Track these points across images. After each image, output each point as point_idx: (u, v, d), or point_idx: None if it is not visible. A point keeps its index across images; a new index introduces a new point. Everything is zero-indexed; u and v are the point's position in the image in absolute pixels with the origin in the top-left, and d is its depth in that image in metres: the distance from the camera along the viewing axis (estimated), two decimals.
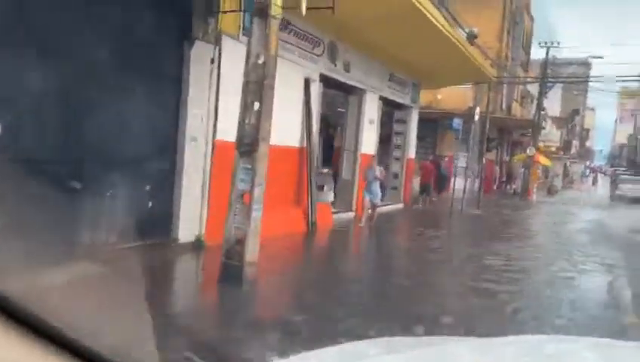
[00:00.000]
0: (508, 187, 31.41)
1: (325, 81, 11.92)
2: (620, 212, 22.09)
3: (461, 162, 29.22)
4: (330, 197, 13.98)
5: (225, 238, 6.46)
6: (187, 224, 8.20)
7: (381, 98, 14.70)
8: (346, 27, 11.35)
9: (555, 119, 54.65)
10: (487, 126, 19.13)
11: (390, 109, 16.67)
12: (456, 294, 6.99)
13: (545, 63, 26.91)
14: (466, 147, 18.20)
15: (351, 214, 13.35)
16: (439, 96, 28.20)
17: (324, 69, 11.64)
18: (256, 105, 6.26)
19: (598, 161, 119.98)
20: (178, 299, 6.04)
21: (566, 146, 57.93)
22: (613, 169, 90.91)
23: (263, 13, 6.24)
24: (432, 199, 18.50)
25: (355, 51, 12.72)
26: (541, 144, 46.16)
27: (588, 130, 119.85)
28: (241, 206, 6.36)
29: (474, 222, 15.83)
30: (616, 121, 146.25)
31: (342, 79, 12.47)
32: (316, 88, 11.38)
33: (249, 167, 6.30)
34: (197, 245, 8.19)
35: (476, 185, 30.23)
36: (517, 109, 32.43)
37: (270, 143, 9.93)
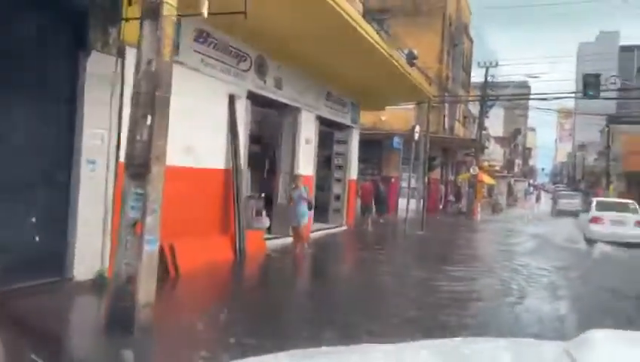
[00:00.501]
0: (454, 206, 31.29)
1: (254, 98, 11.09)
2: (558, 225, 23.21)
3: (406, 182, 29.01)
4: (266, 222, 13.06)
5: (113, 276, 5.44)
6: (85, 259, 7.08)
7: (318, 117, 14.00)
8: (275, 42, 10.62)
9: (498, 139, 55.87)
10: (428, 145, 18.70)
11: (330, 129, 16.01)
12: (393, 325, 6.18)
13: (484, 82, 27.07)
14: (410, 167, 17.66)
15: (289, 239, 12.44)
16: (383, 117, 27.91)
17: (252, 85, 10.82)
18: (149, 119, 5.34)
19: (541, 179, 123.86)
20: (44, 352, 4.94)
21: (509, 165, 59.19)
22: (554, 186, 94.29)
23: (154, 14, 5.36)
24: (380, 221, 17.86)
25: (287, 68, 11.98)
26: (485, 163, 46.89)
27: (530, 149, 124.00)
28: (132, 238, 5.37)
29: (416, 244, 15.21)
30: (556, 140, 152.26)
31: (273, 97, 11.68)
32: (243, 106, 10.52)
33: (140, 191, 5.33)
34: (98, 282, 7.08)
35: (420, 204, 30.07)
36: (460, 129, 32.56)
37: (189, 165, 9.12)
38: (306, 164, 13.22)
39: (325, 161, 16.77)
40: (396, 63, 13.46)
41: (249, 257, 10.03)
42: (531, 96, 22.74)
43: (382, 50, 12.04)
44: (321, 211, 16.39)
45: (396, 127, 27.00)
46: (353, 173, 16.74)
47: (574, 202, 31.64)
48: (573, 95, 24.56)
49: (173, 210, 8.30)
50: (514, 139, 67.95)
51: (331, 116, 14.90)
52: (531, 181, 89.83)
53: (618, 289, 9.06)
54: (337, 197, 16.26)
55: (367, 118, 28.47)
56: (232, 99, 10.11)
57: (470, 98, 31.00)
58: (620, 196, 48.04)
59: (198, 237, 8.88)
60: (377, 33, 13.75)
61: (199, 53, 9.03)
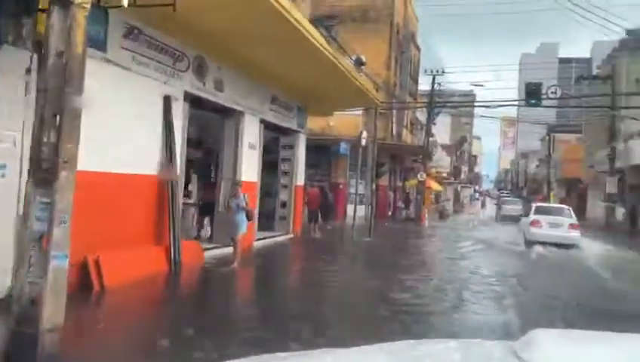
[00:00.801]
0: (403, 213, 31.35)
1: (193, 100, 10.48)
2: (502, 230, 24.51)
3: (356, 189, 28.78)
4: (207, 231, 12.44)
5: (15, 297, 4.76)
6: None
7: (263, 121, 13.49)
8: (214, 41, 10.08)
9: (445, 146, 56.84)
10: (376, 151, 18.52)
11: (275, 134, 15.53)
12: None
13: (431, 89, 27.31)
14: (358, 173, 17.41)
15: (230, 250, 11.85)
16: (331, 123, 27.67)
17: (191, 86, 10.21)
18: (57, 119, 4.71)
19: (486, 186, 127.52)
20: None
21: (456, 172, 60.35)
22: (498, 192, 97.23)
23: (64, 0, 4.75)
24: (327, 228, 17.43)
25: (229, 69, 11.43)
26: (433, 170, 47.56)
27: (476, 157, 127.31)
28: (38, 253, 4.71)
29: (363, 251, 14.86)
30: (500, 148, 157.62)
31: (214, 99, 11.09)
32: (180, 108, 9.89)
33: (46, 200, 4.69)
34: (8, 303, 6.30)
35: (369, 211, 29.98)
36: (407, 136, 32.76)
37: (119, 171, 8.44)
38: (249, 170, 12.68)
39: (271, 167, 16.26)
40: (342, 67, 13.15)
41: (185, 269, 9.38)
42: (476, 104, 23.05)
43: (327, 54, 11.69)
44: (267, 219, 15.90)
45: (345, 132, 26.81)
46: (300, 179, 16.31)
47: (516, 208, 33.59)
48: (516, 103, 24.86)
49: (100, 219, 7.62)
50: (460, 147, 69.44)
51: (277, 120, 14.42)
52: (477, 187, 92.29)
53: (556, 293, 9.57)
54: (284, 204, 15.77)
55: (315, 123, 28.18)
56: (167, 101, 9.47)
57: (418, 105, 31.21)
58: (560, 201, 50.17)
59: (128, 249, 8.20)
60: (325, 39, 13.44)
61: (130, 50, 8.36)
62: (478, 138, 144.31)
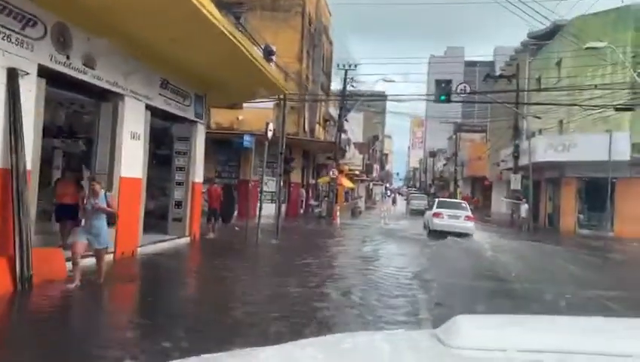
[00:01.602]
0: (316, 211, 30.22)
1: (54, 77, 8.48)
2: (410, 222, 27.43)
3: (261, 186, 27.17)
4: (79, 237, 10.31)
5: None
6: None
7: (150, 108, 11.59)
8: (82, 7, 8.16)
9: (357, 145, 56.71)
10: (284, 145, 17.10)
11: (168, 124, 13.65)
12: None
13: (344, 83, 26.37)
14: (263, 169, 15.90)
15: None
16: (240, 117, 25.96)
17: (48, 59, 8.20)
18: None
19: (397, 183, 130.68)
20: None
21: (368, 170, 60.47)
22: (407, 189, 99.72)
23: None
24: (235, 228, 15.67)
25: (104, 44, 9.50)
26: (346, 167, 47.07)
27: (387, 155, 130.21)
28: None
29: (265, 255, 13.34)
30: (409, 147, 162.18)
31: (82, 77, 9.11)
32: (32, 85, 7.87)
33: None
34: None
35: (282, 209, 28.56)
36: (320, 132, 31.68)
37: None
38: (132, 165, 10.76)
39: (165, 162, 14.37)
40: (246, 52, 11.59)
41: (38, 287, 7.40)
42: (388, 99, 22.22)
43: (230, 36, 10.09)
44: (160, 220, 14.00)
45: (255, 127, 25.11)
46: (198, 175, 14.50)
47: (423, 202, 37.59)
48: (425, 98, 24.54)
49: None
50: (372, 145, 69.90)
51: (169, 108, 12.56)
52: (388, 185, 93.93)
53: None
54: (178, 204, 13.90)
55: (223, 116, 26.33)
56: (12, 75, 7.45)
57: (330, 98, 30.06)
58: (465, 198, 51.90)
59: None
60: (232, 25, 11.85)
61: None
62: (389, 137, 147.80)
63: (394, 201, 57.53)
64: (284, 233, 17.11)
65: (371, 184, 68.14)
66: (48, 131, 9.99)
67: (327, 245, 16.54)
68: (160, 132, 14.15)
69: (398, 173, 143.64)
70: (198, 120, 14.24)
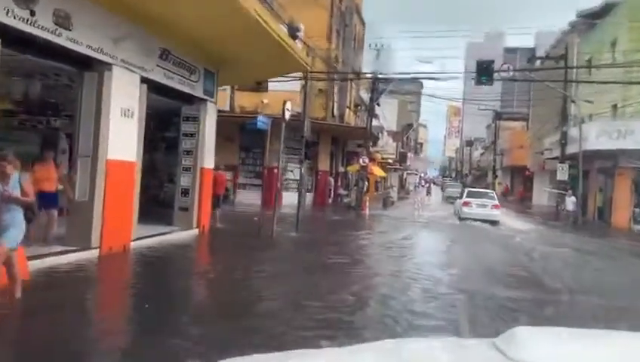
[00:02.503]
0: (345, 200, 28.43)
1: (16, 39, 6.95)
2: (444, 211, 26.98)
3: (293, 173, 25.59)
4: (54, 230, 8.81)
5: None
6: None
7: (147, 81, 10.02)
8: None
9: (391, 132, 54.49)
10: (306, 128, 15.35)
11: (174, 102, 12.09)
12: None
13: (375, 62, 24.39)
14: (281, 153, 14.21)
15: (88, 254, 8.45)
16: (265, 100, 24.33)
17: (4, 14, 6.66)
18: None
19: (432, 173, 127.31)
20: None
21: (402, 158, 58.18)
22: (443, 179, 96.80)
23: None
24: (254, 218, 14.11)
25: (88, 2, 7.95)
26: (379, 155, 45.03)
27: (422, 144, 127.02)
28: None
29: (278, 252, 11.43)
30: (445, 136, 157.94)
31: (53, 40, 7.55)
32: None
33: None
34: None
35: (309, 198, 26.90)
36: (351, 117, 29.77)
37: None
38: (122, 146, 9.21)
39: (172, 145, 12.86)
40: (264, 24, 9.92)
41: None
42: (424, 76, 20.15)
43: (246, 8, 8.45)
44: (167, 210, 12.54)
45: (280, 110, 23.58)
46: (209, 160, 12.91)
47: (457, 190, 37.58)
48: (463, 74, 22.60)
49: None
50: (406, 133, 67.46)
51: (170, 83, 10.96)
52: (422, 175, 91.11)
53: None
54: (185, 192, 12.36)
55: (247, 100, 24.78)
56: None
57: (359, 76, 27.79)
58: (504, 189, 49.22)
59: None
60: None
61: None
62: (424, 126, 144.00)
63: (428, 191, 55.11)
64: (306, 224, 15.44)
65: (405, 173, 65.75)
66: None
67: (348, 240, 14.54)
68: (167, 112, 12.65)
69: (433, 163, 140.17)
70: (207, 98, 12.62)
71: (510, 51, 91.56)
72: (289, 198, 23.78)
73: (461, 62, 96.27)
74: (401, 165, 55.78)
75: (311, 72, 15.71)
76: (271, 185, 25.05)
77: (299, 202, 14.88)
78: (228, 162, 25.70)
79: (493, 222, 20.57)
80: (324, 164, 26.31)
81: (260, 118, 13.58)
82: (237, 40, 10.96)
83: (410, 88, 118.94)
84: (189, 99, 12.21)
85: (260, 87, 23.46)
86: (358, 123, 30.77)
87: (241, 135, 24.39)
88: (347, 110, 28.91)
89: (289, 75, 19.11)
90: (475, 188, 31.56)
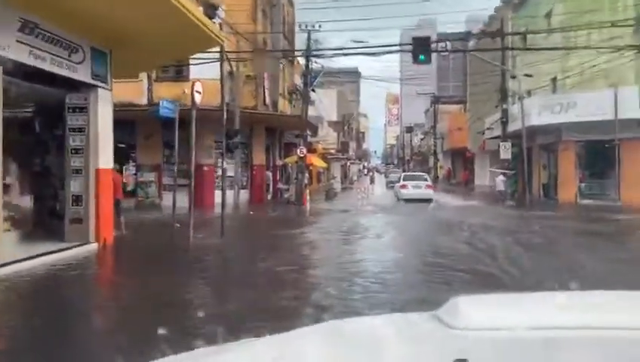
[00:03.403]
0: (286, 195, 26.42)
1: None
2: (387, 199, 27.12)
3: (229, 171, 23.32)
4: None
5: None
6: None
7: (3, 61, 7.62)
8: None
9: (331, 123, 52.95)
10: (225, 117, 13.24)
11: (57, 91, 9.68)
12: None
13: (307, 43, 22.41)
14: (193, 146, 12.07)
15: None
16: (186, 90, 21.87)
17: None
18: None
19: (375, 161, 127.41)
20: None
21: (344, 148, 56.80)
22: (386, 166, 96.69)
23: None
24: (175, 224, 11.79)
25: None
26: (320, 146, 43.31)
27: (363, 133, 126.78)
28: None
29: (188, 271, 8.76)
30: (385, 124, 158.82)
31: None
32: None
33: None
34: None
35: (245, 196, 24.73)
36: (286, 106, 27.73)
37: None
38: None
39: (57, 144, 10.44)
40: None
41: None
42: (359, 51, 18.30)
43: None
44: (52, 223, 10.15)
45: (205, 100, 21.29)
46: (106, 158, 10.55)
47: (397, 176, 39.04)
48: (399, 49, 21.34)
49: None
50: (347, 123, 66.18)
51: (40, 64, 8.57)
52: (365, 163, 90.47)
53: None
54: (77, 200, 9.98)
55: (167, 90, 22.19)
56: None
57: (288, 54, 25.35)
58: (446, 172, 48.91)
59: None
60: None
61: None
62: (365, 115, 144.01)
63: (372, 180, 54.09)
64: (235, 227, 13.42)
65: (348, 163, 64.50)
66: None
67: (281, 244, 12.15)
68: (56, 104, 10.20)
69: (375, 151, 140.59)
70: (98, 83, 10.24)
71: (443, 37, 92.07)
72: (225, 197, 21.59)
73: (396, 49, 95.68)
74: (343, 155, 54.38)
75: (234, 52, 13.43)
76: (201, 185, 22.86)
77: (223, 202, 12.71)
78: (151, 162, 23.20)
79: (428, 200, 23.08)
80: (259, 158, 24.20)
81: (164, 103, 11.29)
82: (131, 12, 8.73)
83: (348, 78, 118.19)
84: (74, 85, 9.82)
85: (180, 75, 21.05)
86: (294, 112, 28.78)
87: (164, 131, 21.91)
88: (281, 98, 26.86)
89: (211, 59, 16.99)
90: (410, 172, 35.76)
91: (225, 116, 13.09)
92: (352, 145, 77.90)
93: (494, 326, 1.18)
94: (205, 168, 22.59)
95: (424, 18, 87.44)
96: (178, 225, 11.68)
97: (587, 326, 1.14)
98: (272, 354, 1.28)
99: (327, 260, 9.96)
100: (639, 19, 18.49)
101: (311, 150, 41.21)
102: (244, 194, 23.59)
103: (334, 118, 59.45)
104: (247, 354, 1.35)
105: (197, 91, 10.73)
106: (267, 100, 23.41)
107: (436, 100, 56.26)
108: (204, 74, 22.67)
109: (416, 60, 21.17)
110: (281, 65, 26.07)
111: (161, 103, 11.17)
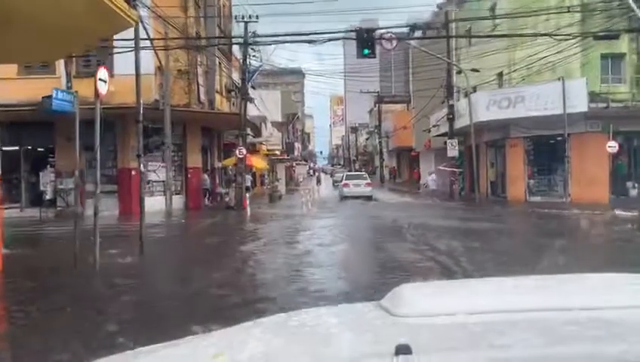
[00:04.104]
0: (227, 199, 24.37)
1: None
2: (333, 201, 26.87)
3: (159, 174, 21.38)
4: None
5: None
6: None
7: None
8: None
9: (276, 123, 51.22)
10: (142, 112, 11.30)
11: None
12: None
13: (245, 34, 20.56)
14: (97, 150, 10.02)
15: None
16: (112, 88, 19.56)
17: None
18: None
19: (321, 162, 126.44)
20: None
21: (289, 149, 55.13)
22: (332, 167, 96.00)
23: None
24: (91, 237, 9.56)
25: None
26: (263, 146, 41.46)
27: (309, 134, 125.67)
28: None
29: (82, 305, 6.68)
30: (330, 125, 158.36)
31: None
32: None
33: None
34: None
35: (180, 202, 22.62)
36: (224, 105, 25.75)
37: None
38: None
39: None
40: None
41: None
42: (302, 38, 16.71)
43: None
44: None
45: (132, 99, 19.10)
46: None
47: (342, 175, 40.27)
48: (342, 36, 19.88)
49: None
50: (291, 122, 64.58)
51: None
52: (312, 164, 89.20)
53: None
54: None
55: (87, 88, 19.94)
56: None
57: (220, 41, 23.02)
58: (391, 171, 48.29)
59: None
60: None
61: None
62: (311, 116, 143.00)
63: (318, 180, 52.75)
64: (161, 239, 11.51)
65: (294, 164, 62.89)
66: None
67: (210, 261, 10.13)
68: None
69: (321, 152, 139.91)
70: None
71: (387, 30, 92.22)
72: (154, 204, 19.43)
73: (340, 49, 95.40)
74: (288, 156, 52.73)
75: (133, 22, 11.27)
76: (128, 191, 20.56)
77: (142, 212, 10.72)
78: (71, 167, 20.73)
79: (367, 197, 24.77)
80: (194, 160, 22.13)
81: (58, 93, 9.19)
82: None
83: (291, 79, 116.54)
84: None
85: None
86: (234, 111, 26.81)
87: (87, 131, 19.51)
88: (218, 96, 24.87)
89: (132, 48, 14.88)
90: (352, 172, 38.62)
91: (141, 111, 11.09)
92: (298, 145, 76.41)
93: (435, 312, 1.19)
94: (133, 172, 20.36)
95: (367, 18, 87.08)
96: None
97: (522, 309, 1.18)
98: (214, 349, 1.26)
99: (265, 280, 8.25)
100: (585, 7, 17.85)
101: (254, 151, 39.36)
102: (178, 200, 21.47)
103: (279, 118, 57.69)
104: (189, 350, 1.33)
105: (101, 79, 8.76)
106: (202, 97, 21.40)
107: (380, 100, 55.55)
108: (131, 69, 20.55)
109: (361, 54, 19.92)
110: (217, 61, 24.07)
111: (54, 93, 9.04)
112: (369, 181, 26.94)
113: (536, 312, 1.16)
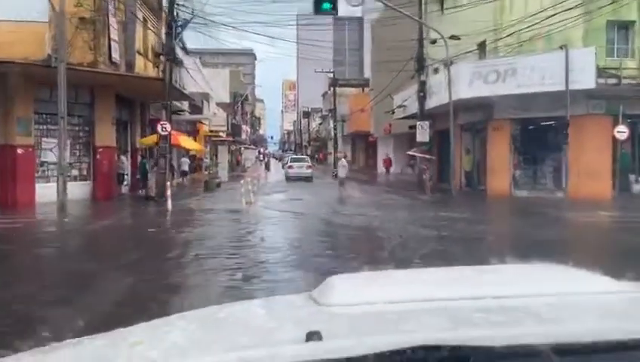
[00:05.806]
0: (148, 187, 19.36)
1: None
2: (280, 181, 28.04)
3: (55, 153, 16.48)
4: None
5: None
6: None
7: None
8: None
9: (222, 105, 46.00)
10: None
11: None
12: None
13: None
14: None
15: None
16: None
17: None
18: None
19: (272, 147, 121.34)
20: None
21: (235, 131, 49.99)
22: (283, 153, 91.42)
23: None
24: None
25: None
26: (205, 126, 36.36)
27: (259, 119, 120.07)
28: None
29: None
30: (282, 111, 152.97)
31: None
32: None
33: None
34: None
35: (87, 190, 17.56)
36: (148, 70, 20.59)
37: None
38: None
39: None
40: None
41: None
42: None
43: None
44: None
45: (22, 53, 14.04)
46: None
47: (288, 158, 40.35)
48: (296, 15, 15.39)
49: None
50: (239, 101, 59.23)
51: None
52: (261, 149, 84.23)
53: None
54: None
55: None
56: None
57: None
58: (351, 158, 44.45)
59: None
60: None
61: None
62: (262, 100, 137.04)
63: (267, 166, 48.10)
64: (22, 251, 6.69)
65: (242, 148, 57.79)
66: None
67: (80, 295, 5.66)
68: None
69: (272, 137, 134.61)
70: None
71: (339, 20, 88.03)
72: (49, 193, 14.41)
73: (293, 33, 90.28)
74: (234, 138, 47.65)
75: None
76: (12, 175, 15.40)
77: None
78: None
79: (307, 178, 27.74)
80: (106, 137, 17.07)
81: None
82: None
83: (243, 60, 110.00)
84: None
85: None
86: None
87: None
88: (142, 59, 19.74)
89: None
90: (296, 155, 42.81)
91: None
92: (246, 129, 71.12)
93: (357, 302, 1.21)
94: (20, 150, 15.18)
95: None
96: None
97: (438, 298, 1.20)
98: (135, 339, 1.22)
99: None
100: None
101: (193, 131, 34.20)
102: (83, 188, 16.42)
103: (227, 99, 52.39)
104: (109, 341, 1.26)
105: None
106: (115, 57, 16.30)
107: (334, 82, 51.23)
108: (21, 14, 15.54)
109: (319, 10, 15.52)
110: (141, 14, 18.93)
111: None
112: (310, 164, 30.75)
113: (451, 301, 1.18)
